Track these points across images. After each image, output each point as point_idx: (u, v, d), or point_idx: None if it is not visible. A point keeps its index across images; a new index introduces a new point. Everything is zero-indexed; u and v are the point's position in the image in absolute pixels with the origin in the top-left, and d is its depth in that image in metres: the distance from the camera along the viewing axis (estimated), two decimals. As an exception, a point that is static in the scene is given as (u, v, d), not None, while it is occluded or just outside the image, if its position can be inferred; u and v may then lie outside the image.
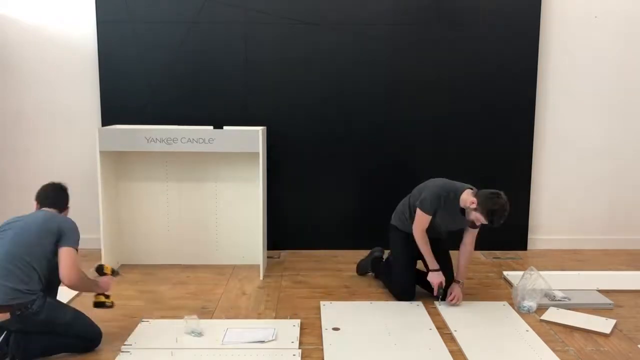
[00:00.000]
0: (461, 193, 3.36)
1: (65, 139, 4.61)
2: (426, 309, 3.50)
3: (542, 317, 3.38)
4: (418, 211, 3.46)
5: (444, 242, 3.68)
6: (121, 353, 2.89)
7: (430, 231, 3.52)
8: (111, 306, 3.08)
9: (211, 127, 4.07)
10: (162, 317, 3.37)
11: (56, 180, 3.14)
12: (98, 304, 3.04)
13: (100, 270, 3.09)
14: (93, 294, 3.04)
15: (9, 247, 2.76)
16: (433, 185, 3.49)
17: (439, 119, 4.62)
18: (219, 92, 4.52)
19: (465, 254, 3.57)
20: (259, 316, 3.43)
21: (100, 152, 3.95)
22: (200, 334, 3.07)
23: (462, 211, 3.38)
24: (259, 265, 4.12)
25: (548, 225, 4.87)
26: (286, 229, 4.70)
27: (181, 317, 3.20)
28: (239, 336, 3.07)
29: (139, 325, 3.21)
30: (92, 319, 2.98)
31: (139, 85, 4.50)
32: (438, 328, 3.22)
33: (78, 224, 2.97)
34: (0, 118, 4.59)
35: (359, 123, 4.61)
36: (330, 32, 4.50)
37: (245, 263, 4.33)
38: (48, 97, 4.56)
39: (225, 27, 4.47)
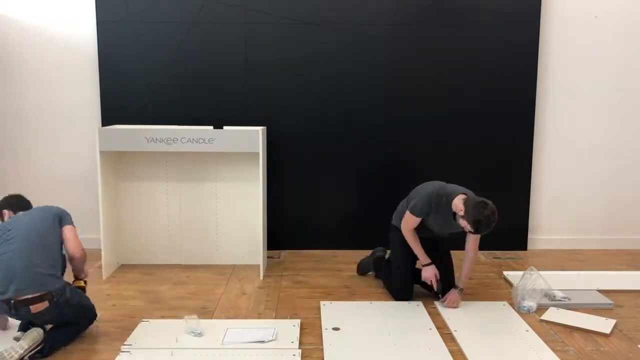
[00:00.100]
0: (454, 198, 3.35)
1: (65, 139, 4.60)
2: (426, 309, 3.50)
3: (542, 317, 3.38)
4: (407, 213, 3.50)
5: (444, 242, 3.68)
6: (121, 353, 2.89)
7: (425, 231, 3.54)
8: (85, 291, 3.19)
9: (211, 127, 4.07)
10: (162, 317, 3.38)
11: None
12: (80, 288, 3.13)
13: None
14: (73, 279, 3.15)
15: (29, 239, 2.86)
16: (425, 190, 3.50)
17: (439, 119, 4.62)
18: (219, 92, 4.52)
19: (467, 261, 3.56)
20: (259, 316, 3.43)
21: (101, 152, 3.94)
22: (200, 334, 3.07)
23: (455, 215, 3.39)
24: (259, 265, 4.12)
25: (548, 225, 4.87)
26: (286, 229, 4.70)
27: (181, 317, 3.20)
28: (239, 336, 3.07)
29: (139, 325, 3.22)
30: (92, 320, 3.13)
31: (139, 85, 4.50)
32: (438, 328, 3.23)
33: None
34: (0, 118, 4.58)
35: (359, 123, 4.61)
36: (330, 32, 4.50)
37: (245, 263, 4.34)
38: (48, 97, 4.56)
39: (225, 27, 4.46)
